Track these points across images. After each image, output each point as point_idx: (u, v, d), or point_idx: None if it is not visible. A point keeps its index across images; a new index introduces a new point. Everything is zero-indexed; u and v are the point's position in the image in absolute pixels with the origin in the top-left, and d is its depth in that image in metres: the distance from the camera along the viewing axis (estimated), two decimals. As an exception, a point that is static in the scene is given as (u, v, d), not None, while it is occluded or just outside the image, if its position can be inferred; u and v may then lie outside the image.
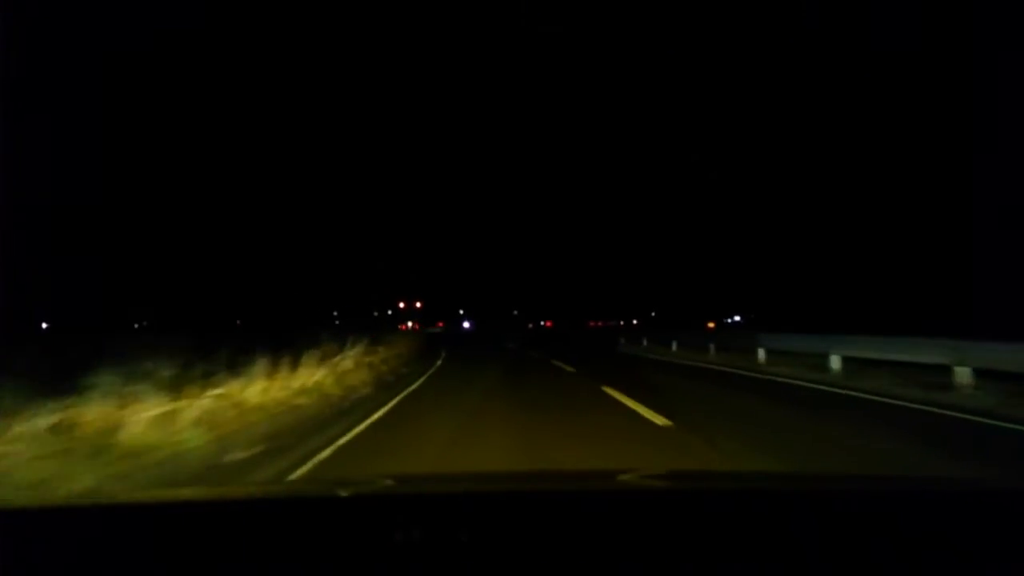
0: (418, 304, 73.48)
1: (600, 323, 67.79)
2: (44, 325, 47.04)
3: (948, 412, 8.46)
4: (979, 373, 10.22)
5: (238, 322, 61.18)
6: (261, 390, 9.03)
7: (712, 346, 19.56)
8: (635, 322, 70.25)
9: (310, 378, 10.97)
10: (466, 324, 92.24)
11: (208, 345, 9.79)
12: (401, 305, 67.45)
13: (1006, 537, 1.28)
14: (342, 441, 6.96)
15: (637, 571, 1.09)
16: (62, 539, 1.30)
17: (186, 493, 2.55)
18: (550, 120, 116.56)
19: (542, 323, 78.77)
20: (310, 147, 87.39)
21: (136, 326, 48.28)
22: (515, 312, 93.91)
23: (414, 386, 13.20)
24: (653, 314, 78.12)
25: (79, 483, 4.72)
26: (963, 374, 10.31)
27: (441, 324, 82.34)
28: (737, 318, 68.77)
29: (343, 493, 1.93)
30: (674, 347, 19.73)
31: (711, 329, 37.95)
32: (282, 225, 67.93)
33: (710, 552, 1.19)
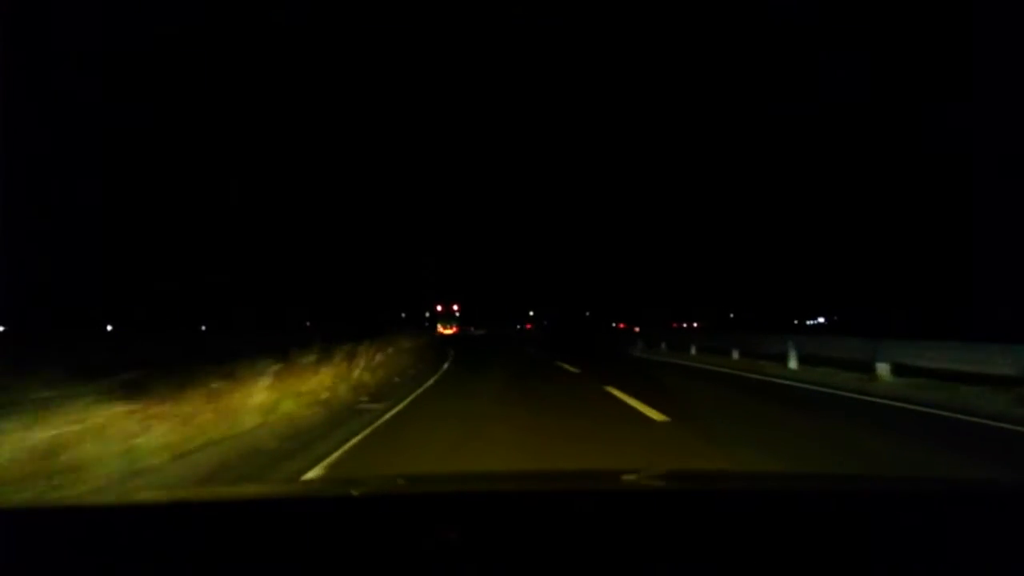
0: (455, 307, 71.79)
1: (684, 324, 64.76)
2: (109, 328, 47.33)
3: None
4: None
5: (308, 323, 61.36)
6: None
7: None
8: (695, 324, 66.70)
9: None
10: (517, 327, 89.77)
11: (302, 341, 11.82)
12: (439, 308, 65.80)
13: (1009, 537, 1.25)
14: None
15: (641, 571, 1.08)
16: (62, 539, 1.25)
17: (192, 494, 2.54)
18: (631, 117, 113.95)
19: (615, 325, 75.71)
20: (355, 159, 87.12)
21: (203, 328, 48.11)
22: (587, 313, 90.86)
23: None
24: (732, 315, 74.52)
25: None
26: None
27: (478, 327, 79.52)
28: (820, 319, 65.30)
29: (352, 492, 1.91)
30: (792, 364, 16.82)
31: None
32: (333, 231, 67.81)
33: (713, 553, 1.16)
